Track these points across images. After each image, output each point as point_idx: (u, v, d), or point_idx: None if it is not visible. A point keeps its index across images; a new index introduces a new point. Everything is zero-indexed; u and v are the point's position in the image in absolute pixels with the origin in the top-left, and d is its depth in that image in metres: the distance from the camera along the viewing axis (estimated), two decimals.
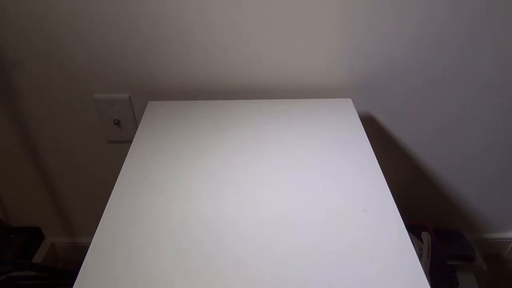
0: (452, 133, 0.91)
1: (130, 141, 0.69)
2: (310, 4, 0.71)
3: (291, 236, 0.51)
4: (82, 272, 0.48)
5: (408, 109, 0.87)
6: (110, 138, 0.91)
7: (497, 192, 1.05)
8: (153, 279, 0.47)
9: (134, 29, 0.75)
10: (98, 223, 0.54)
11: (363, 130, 0.70)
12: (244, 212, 0.55)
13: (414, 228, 1.01)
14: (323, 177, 0.61)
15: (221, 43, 0.76)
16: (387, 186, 0.60)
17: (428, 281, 1.01)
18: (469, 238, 1.09)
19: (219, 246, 0.51)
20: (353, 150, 0.66)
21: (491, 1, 0.71)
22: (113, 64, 0.79)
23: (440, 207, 1.08)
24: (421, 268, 0.48)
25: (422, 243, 0.98)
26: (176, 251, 0.50)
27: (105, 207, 0.57)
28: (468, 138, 0.92)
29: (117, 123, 0.88)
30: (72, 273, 0.83)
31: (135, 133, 0.71)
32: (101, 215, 0.55)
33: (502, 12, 0.72)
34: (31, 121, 0.89)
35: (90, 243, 0.51)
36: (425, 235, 1.00)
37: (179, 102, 0.80)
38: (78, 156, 0.96)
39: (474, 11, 0.72)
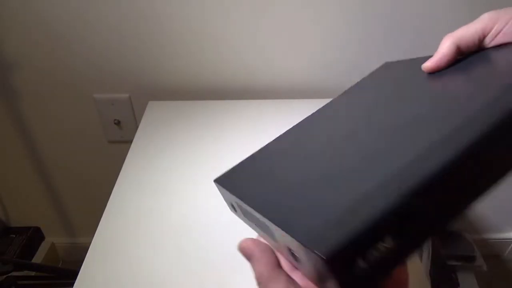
0: None
1: (130, 141, 0.69)
2: (312, 4, 0.71)
3: None
4: (82, 272, 0.48)
5: None
6: (110, 138, 0.91)
7: (497, 192, 1.05)
8: (153, 279, 0.47)
9: (134, 30, 0.75)
10: (98, 223, 0.54)
11: None
12: None
13: None
14: None
15: (221, 43, 0.76)
16: None
17: (428, 281, 1.01)
18: (469, 238, 1.09)
19: (219, 246, 0.50)
20: None
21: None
22: (113, 64, 0.79)
23: None
24: (422, 268, 0.48)
25: None
26: (176, 250, 0.50)
27: (105, 207, 0.57)
28: None
29: (117, 123, 0.88)
30: (72, 273, 0.82)
31: (135, 133, 0.71)
32: (101, 215, 0.55)
33: None
34: (31, 121, 0.89)
35: (90, 243, 0.51)
36: None
37: (179, 102, 0.80)
38: (78, 156, 0.96)
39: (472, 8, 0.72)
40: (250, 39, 0.76)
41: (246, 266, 0.48)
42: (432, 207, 0.20)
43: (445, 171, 0.20)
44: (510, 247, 1.19)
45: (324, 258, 0.19)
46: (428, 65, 0.31)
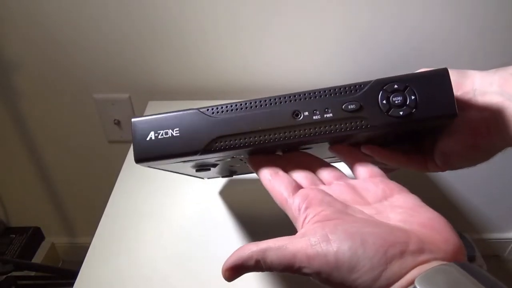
0: None
1: (130, 141, 0.69)
2: (311, 3, 0.71)
3: None
4: (82, 272, 0.48)
5: None
6: (110, 138, 0.91)
7: (497, 192, 1.05)
8: (153, 279, 0.47)
9: (134, 29, 0.75)
10: (98, 223, 0.54)
11: None
12: (246, 210, 0.55)
13: None
14: None
15: (222, 43, 0.76)
16: None
17: None
18: (469, 238, 1.09)
19: (220, 246, 0.50)
20: None
21: None
22: (113, 64, 0.79)
23: (441, 208, 1.07)
24: None
25: None
26: (176, 250, 0.50)
27: (105, 207, 0.57)
28: None
29: (117, 123, 0.88)
30: (72, 273, 0.82)
31: None
32: (101, 215, 0.55)
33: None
34: (31, 121, 0.89)
35: (90, 243, 0.51)
36: None
37: (179, 102, 0.80)
38: (78, 156, 0.96)
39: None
40: (250, 40, 0.76)
41: None
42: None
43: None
44: (510, 247, 1.19)
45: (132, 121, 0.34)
46: None
